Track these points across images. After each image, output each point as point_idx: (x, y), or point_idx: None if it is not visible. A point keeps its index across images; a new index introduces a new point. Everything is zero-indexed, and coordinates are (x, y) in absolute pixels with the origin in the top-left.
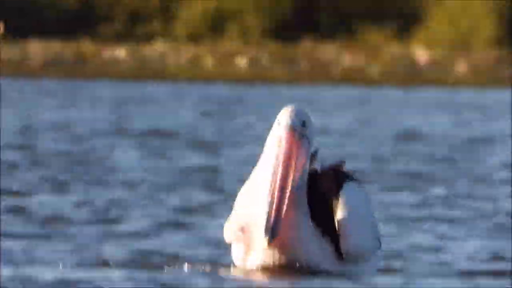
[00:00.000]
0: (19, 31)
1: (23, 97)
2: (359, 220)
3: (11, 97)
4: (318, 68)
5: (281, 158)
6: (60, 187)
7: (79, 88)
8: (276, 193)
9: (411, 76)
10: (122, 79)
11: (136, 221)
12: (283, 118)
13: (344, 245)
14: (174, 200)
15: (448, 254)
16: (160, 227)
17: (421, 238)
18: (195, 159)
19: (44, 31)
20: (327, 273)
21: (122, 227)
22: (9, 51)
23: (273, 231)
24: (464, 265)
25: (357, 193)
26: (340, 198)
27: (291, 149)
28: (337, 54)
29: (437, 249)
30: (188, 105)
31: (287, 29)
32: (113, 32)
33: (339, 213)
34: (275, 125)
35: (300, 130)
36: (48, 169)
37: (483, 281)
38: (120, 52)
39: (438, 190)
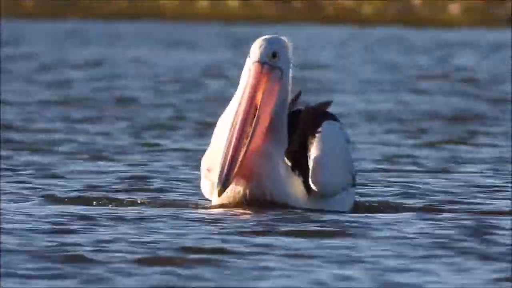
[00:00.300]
0: None
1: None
2: (330, 156)
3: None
4: (311, 7)
5: (245, 95)
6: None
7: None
8: (233, 141)
9: (404, 16)
10: (115, 18)
11: None
12: (252, 50)
13: (311, 178)
14: None
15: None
16: None
17: None
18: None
19: None
20: (294, 208)
21: None
22: None
23: (224, 184)
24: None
25: (333, 130)
26: (316, 135)
27: (256, 84)
28: None
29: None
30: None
31: None
32: None
33: (312, 149)
34: (248, 58)
35: (270, 62)
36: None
37: None
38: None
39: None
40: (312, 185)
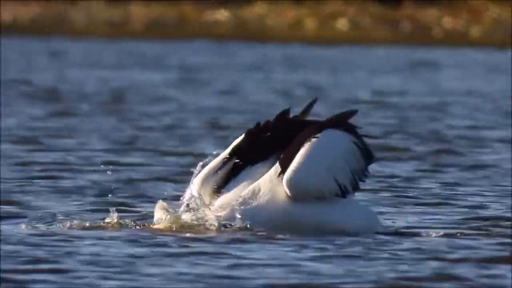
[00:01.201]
0: None
1: (124, 59)
2: (310, 158)
3: (109, 59)
4: (419, 30)
5: None
6: None
7: (180, 49)
8: None
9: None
10: (222, 41)
11: None
12: None
13: (284, 176)
14: None
15: None
16: None
17: None
18: None
19: None
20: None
21: None
22: (111, 13)
23: None
24: None
25: (330, 137)
26: (311, 140)
27: None
28: (438, 17)
29: None
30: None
31: None
32: None
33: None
34: None
35: None
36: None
37: None
38: (221, 14)
39: None
40: (283, 184)
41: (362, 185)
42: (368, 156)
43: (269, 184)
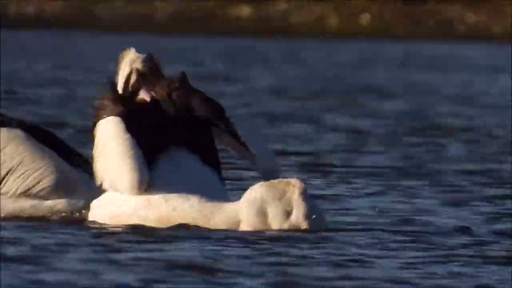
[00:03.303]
0: None
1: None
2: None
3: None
4: (442, 26)
5: None
6: None
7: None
8: None
9: None
10: (244, 37)
11: None
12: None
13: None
14: None
15: None
16: None
17: None
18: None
19: None
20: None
21: None
22: (135, 7)
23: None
24: None
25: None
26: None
27: None
28: (461, 13)
29: None
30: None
31: None
32: None
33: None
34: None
35: None
36: None
37: None
38: (244, 10)
39: None
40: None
41: None
42: None
43: None
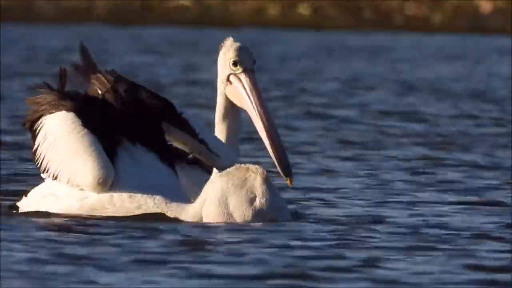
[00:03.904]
0: None
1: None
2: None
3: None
4: (381, 17)
5: (258, 100)
6: None
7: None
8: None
9: (473, 25)
10: (186, 27)
11: None
12: (240, 59)
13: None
14: None
15: None
16: None
17: None
18: None
19: None
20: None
21: None
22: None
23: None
24: None
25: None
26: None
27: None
28: (400, 3)
29: None
30: None
31: None
32: None
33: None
34: (227, 64)
35: (253, 68)
36: None
37: None
38: (185, 1)
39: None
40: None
41: None
42: None
43: None
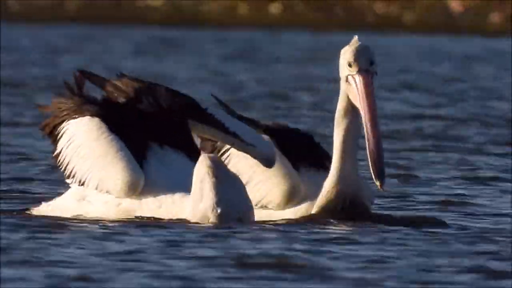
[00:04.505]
0: None
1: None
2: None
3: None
4: (352, 15)
5: (369, 101)
6: None
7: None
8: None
9: (445, 25)
10: (156, 25)
11: None
12: (354, 59)
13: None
14: None
15: None
16: None
17: None
18: None
19: None
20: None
21: None
22: None
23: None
24: None
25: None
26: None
27: (372, 92)
28: (371, 3)
29: None
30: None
31: None
32: None
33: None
34: (345, 65)
35: (370, 69)
36: None
37: None
38: (156, 0)
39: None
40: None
41: None
42: None
43: None
